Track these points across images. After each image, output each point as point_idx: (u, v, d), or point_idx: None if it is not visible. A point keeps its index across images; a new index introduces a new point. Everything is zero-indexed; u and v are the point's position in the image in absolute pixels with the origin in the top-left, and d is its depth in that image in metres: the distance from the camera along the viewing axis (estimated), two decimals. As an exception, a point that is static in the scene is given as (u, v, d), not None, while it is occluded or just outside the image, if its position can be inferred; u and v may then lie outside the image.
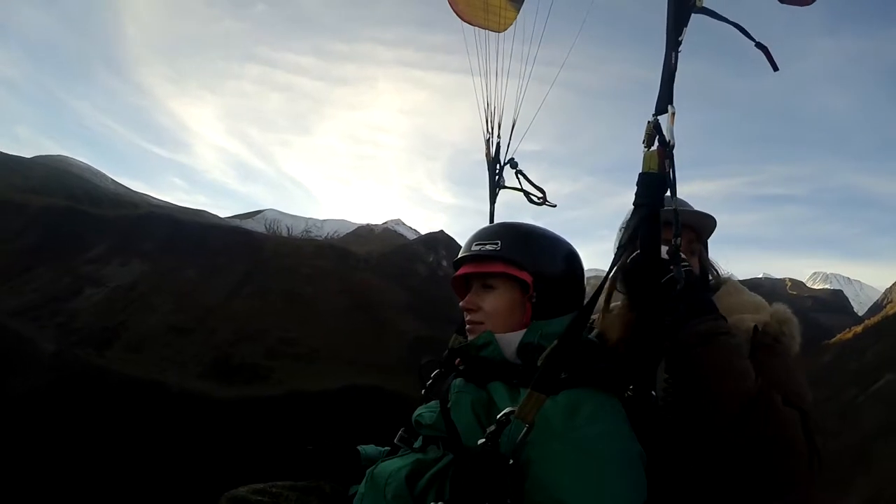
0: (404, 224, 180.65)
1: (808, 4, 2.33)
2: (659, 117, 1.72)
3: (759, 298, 2.35)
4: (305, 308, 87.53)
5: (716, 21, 1.79)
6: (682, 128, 1.72)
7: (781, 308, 2.30)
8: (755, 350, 2.08)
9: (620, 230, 2.56)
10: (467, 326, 2.09)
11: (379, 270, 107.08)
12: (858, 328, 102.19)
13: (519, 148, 3.44)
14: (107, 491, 49.68)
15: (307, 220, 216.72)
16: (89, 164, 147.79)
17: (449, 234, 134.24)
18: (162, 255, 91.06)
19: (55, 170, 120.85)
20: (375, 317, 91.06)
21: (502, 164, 3.44)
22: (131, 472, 51.69)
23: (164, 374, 68.30)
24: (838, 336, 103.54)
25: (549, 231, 2.12)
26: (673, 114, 1.70)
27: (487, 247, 2.01)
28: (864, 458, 57.08)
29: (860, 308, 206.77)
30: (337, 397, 68.03)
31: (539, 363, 1.59)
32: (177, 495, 48.84)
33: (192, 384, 67.07)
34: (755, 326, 2.18)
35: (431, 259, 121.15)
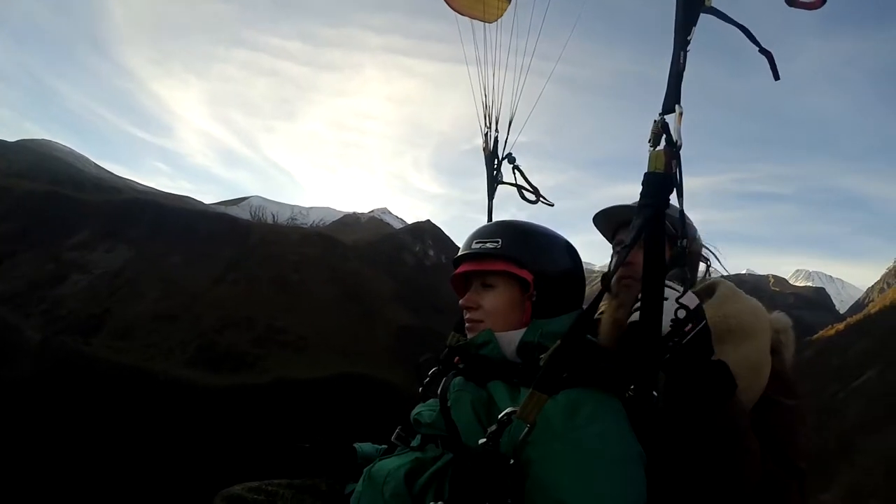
0: (390, 213, 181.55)
1: (817, 8, 2.31)
2: (666, 117, 1.65)
3: (755, 302, 2.29)
4: (293, 296, 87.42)
5: (711, 19, 1.72)
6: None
7: (781, 317, 2.31)
8: (768, 402, 2.05)
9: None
10: (466, 325, 2.07)
11: (366, 259, 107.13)
12: (841, 326, 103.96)
13: (511, 140, 3.44)
14: (95, 480, 49.35)
15: (292, 207, 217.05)
16: (72, 147, 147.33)
17: (435, 223, 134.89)
18: (147, 241, 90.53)
19: (38, 154, 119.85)
20: (363, 305, 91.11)
21: (500, 158, 3.40)
22: (119, 462, 51.40)
23: (151, 361, 68.03)
24: (820, 333, 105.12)
25: (549, 229, 2.11)
26: (681, 114, 1.64)
27: (488, 245, 1.99)
28: (847, 451, 58.31)
29: (842, 306, 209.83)
30: (325, 386, 68.08)
31: (541, 363, 1.55)
32: (165, 484, 48.78)
33: (178, 371, 66.79)
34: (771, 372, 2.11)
35: (418, 249, 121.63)
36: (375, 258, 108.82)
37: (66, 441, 51.97)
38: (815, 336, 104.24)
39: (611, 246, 2.51)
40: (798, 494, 1.95)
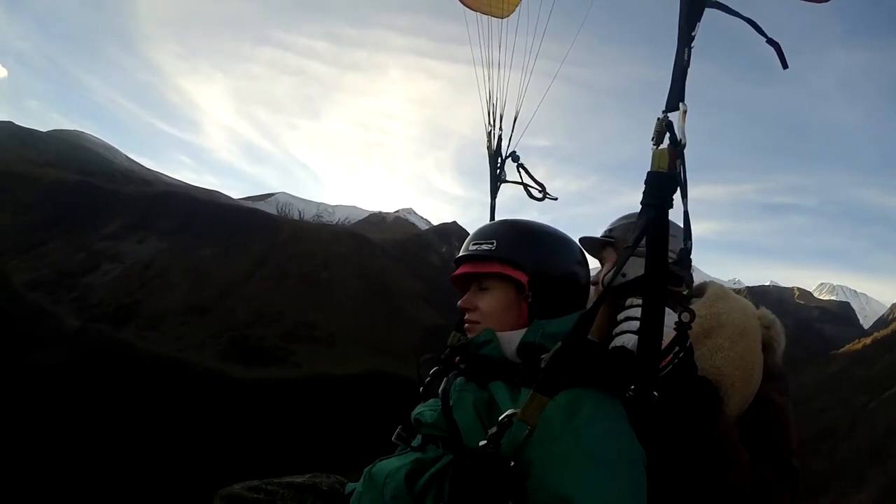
0: (416, 213, 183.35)
1: (825, 1, 2.19)
2: (670, 114, 1.63)
3: (745, 301, 2.33)
4: (322, 292, 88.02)
5: (730, 25, 1.74)
6: (691, 131, 1.65)
7: (767, 313, 2.37)
8: (761, 399, 2.13)
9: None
10: (465, 325, 2.06)
11: (394, 258, 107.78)
12: (867, 340, 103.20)
13: (528, 143, 3.44)
14: (113, 467, 49.83)
15: (318, 205, 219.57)
16: (104, 139, 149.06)
17: (460, 224, 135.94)
18: (178, 233, 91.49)
19: (69, 144, 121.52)
20: (391, 304, 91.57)
21: (503, 157, 3.44)
22: (148, 448, 51.99)
23: (183, 352, 68.71)
24: (847, 346, 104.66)
25: (551, 228, 2.10)
26: (685, 111, 1.62)
27: (484, 247, 2.00)
28: (879, 456, 59.45)
29: (865, 321, 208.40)
30: (354, 382, 68.70)
31: (543, 364, 1.55)
32: (190, 476, 48.99)
33: (210, 363, 67.51)
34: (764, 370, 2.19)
35: (444, 249, 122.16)
36: (402, 258, 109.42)
37: (98, 426, 52.59)
38: (841, 350, 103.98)
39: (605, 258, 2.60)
40: (789, 497, 1.99)
